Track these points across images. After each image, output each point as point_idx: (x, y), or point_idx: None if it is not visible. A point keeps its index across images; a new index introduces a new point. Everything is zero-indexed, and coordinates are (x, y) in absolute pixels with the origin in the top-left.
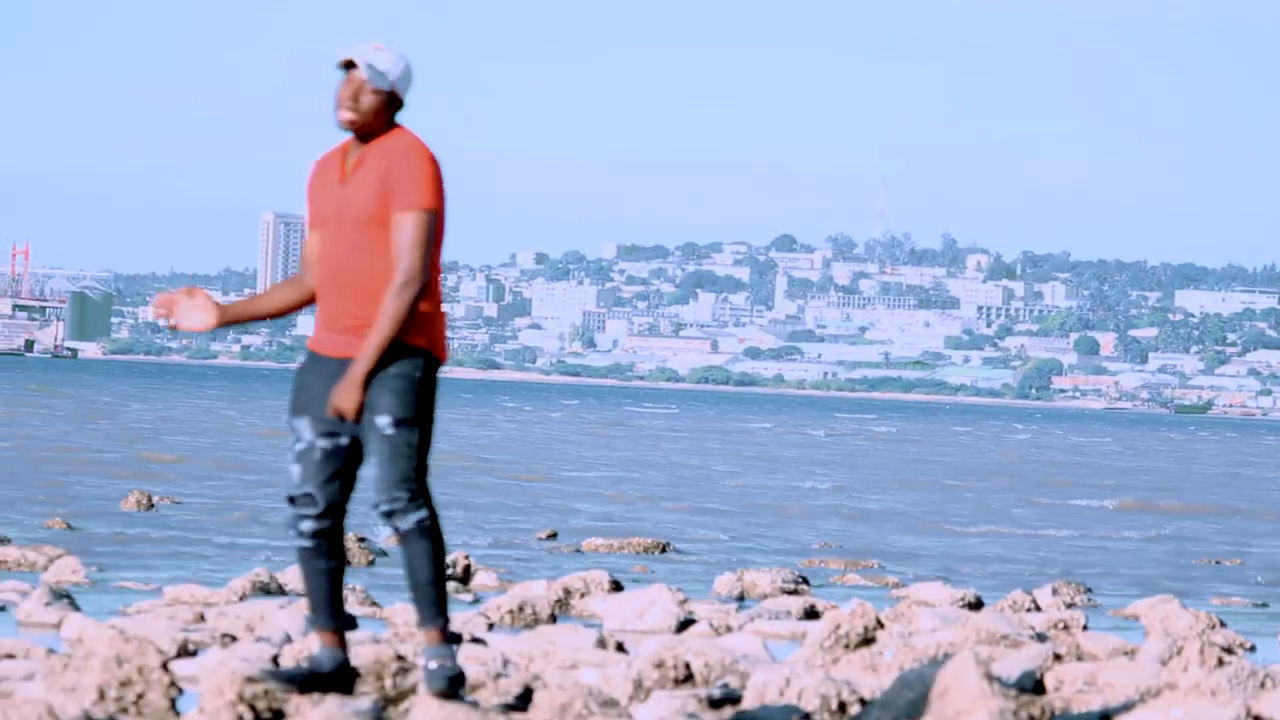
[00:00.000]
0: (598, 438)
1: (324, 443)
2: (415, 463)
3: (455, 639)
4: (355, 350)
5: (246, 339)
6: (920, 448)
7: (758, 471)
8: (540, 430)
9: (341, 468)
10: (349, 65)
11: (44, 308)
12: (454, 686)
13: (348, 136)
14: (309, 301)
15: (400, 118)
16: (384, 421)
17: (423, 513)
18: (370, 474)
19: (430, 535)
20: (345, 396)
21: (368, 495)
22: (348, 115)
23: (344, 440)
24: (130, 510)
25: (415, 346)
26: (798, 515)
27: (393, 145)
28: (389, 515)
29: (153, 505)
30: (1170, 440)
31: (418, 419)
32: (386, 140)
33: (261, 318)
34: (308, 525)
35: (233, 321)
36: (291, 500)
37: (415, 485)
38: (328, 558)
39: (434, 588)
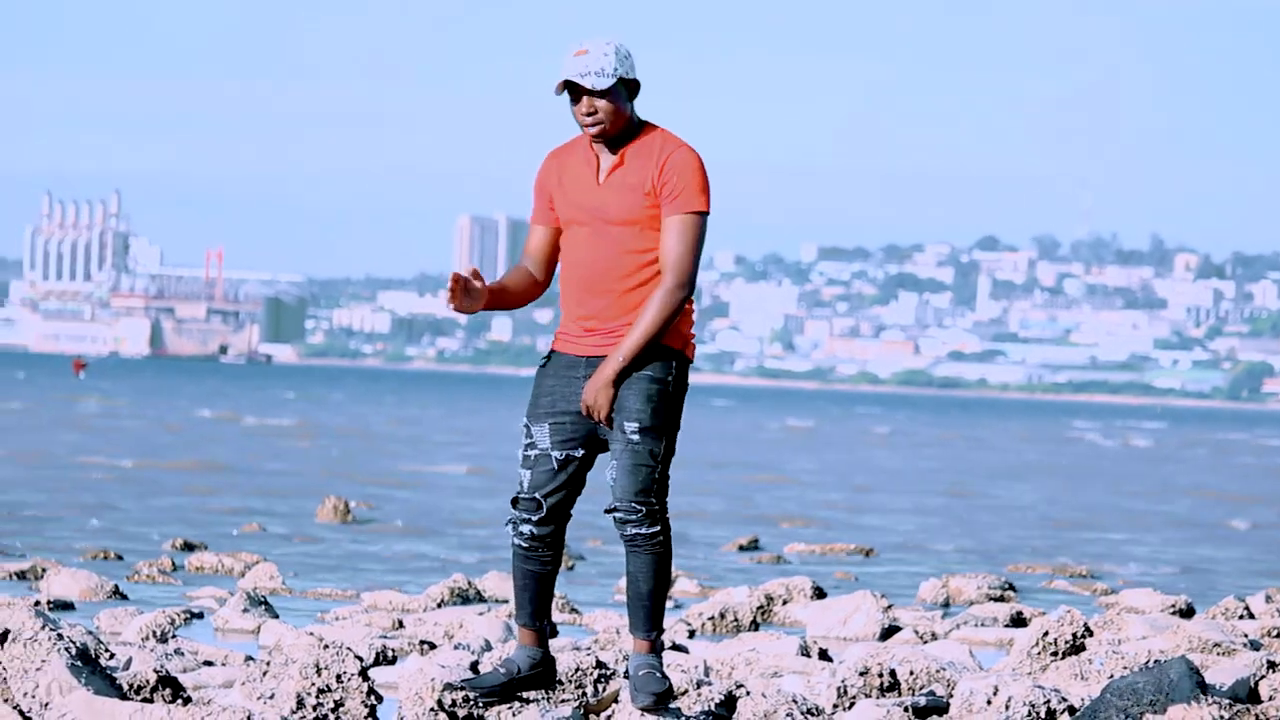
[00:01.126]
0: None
1: (558, 453)
2: (657, 475)
3: (661, 648)
4: (607, 350)
5: (442, 342)
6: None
7: (979, 476)
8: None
9: (571, 479)
10: (568, 86)
11: (238, 312)
12: (660, 702)
13: (575, 134)
14: (540, 294)
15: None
16: (631, 427)
17: (656, 528)
18: (609, 478)
19: (659, 551)
20: (597, 394)
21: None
22: (597, 130)
23: (578, 453)
24: (326, 518)
25: (670, 348)
26: (1007, 521)
27: (658, 147)
28: (622, 523)
29: (349, 512)
30: None
31: (664, 426)
32: (648, 141)
33: (508, 307)
34: (528, 529)
35: (487, 308)
36: (515, 502)
37: (654, 499)
38: (542, 562)
39: (652, 601)
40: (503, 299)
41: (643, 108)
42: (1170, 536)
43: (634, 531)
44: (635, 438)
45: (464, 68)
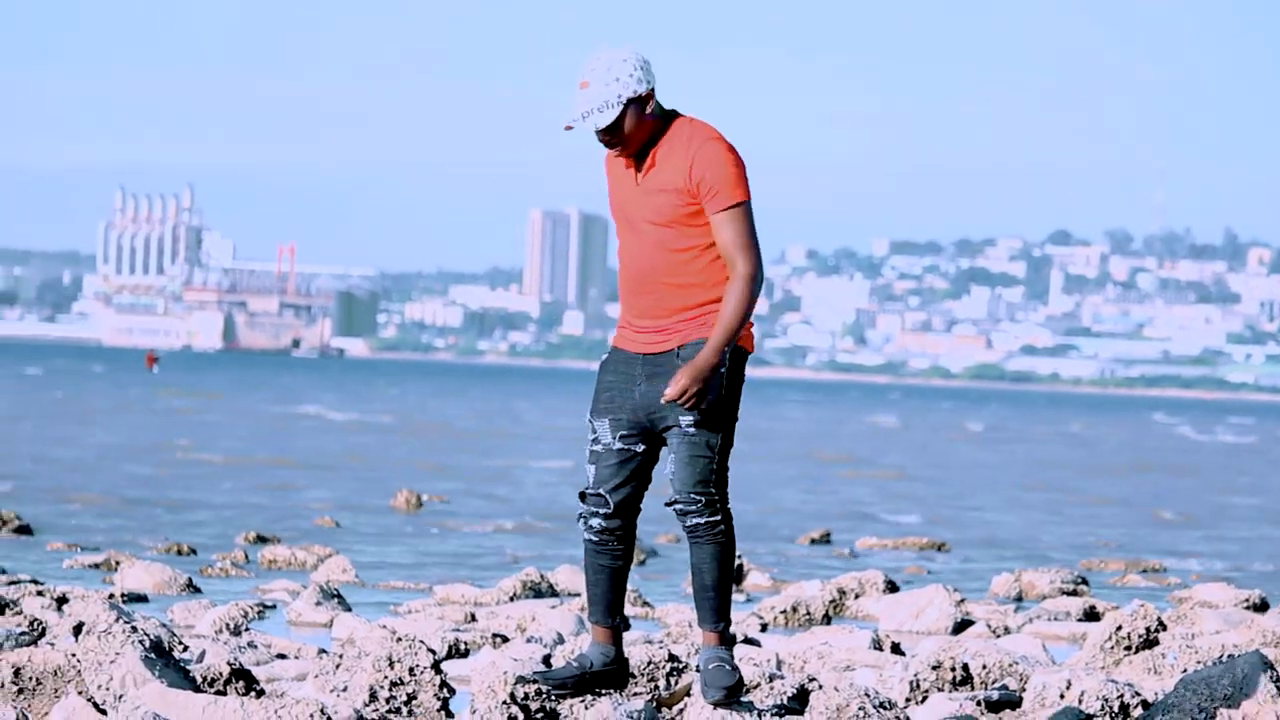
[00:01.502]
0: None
1: (621, 446)
2: (715, 466)
3: (731, 643)
4: (660, 346)
5: (514, 336)
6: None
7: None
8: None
9: (636, 472)
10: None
11: (310, 306)
12: (731, 695)
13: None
14: None
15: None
16: (687, 420)
17: (716, 517)
18: (668, 471)
19: (721, 540)
20: (689, 385)
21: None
22: (618, 152)
23: (639, 447)
24: (399, 508)
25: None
26: (1080, 516)
27: (685, 141)
28: (683, 514)
29: (421, 504)
30: None
31: (720, 418)
32: (676, 136)
33: None
34: (597, 523)
35: None
36: (583, 497)
37: (713, 489)
38: (614, 556)
39: (718, 592)
40: None
41: (720, 97)
42: (1267, 534)
43: (695, 522)
44: (691, 430)
45: (537, 60)
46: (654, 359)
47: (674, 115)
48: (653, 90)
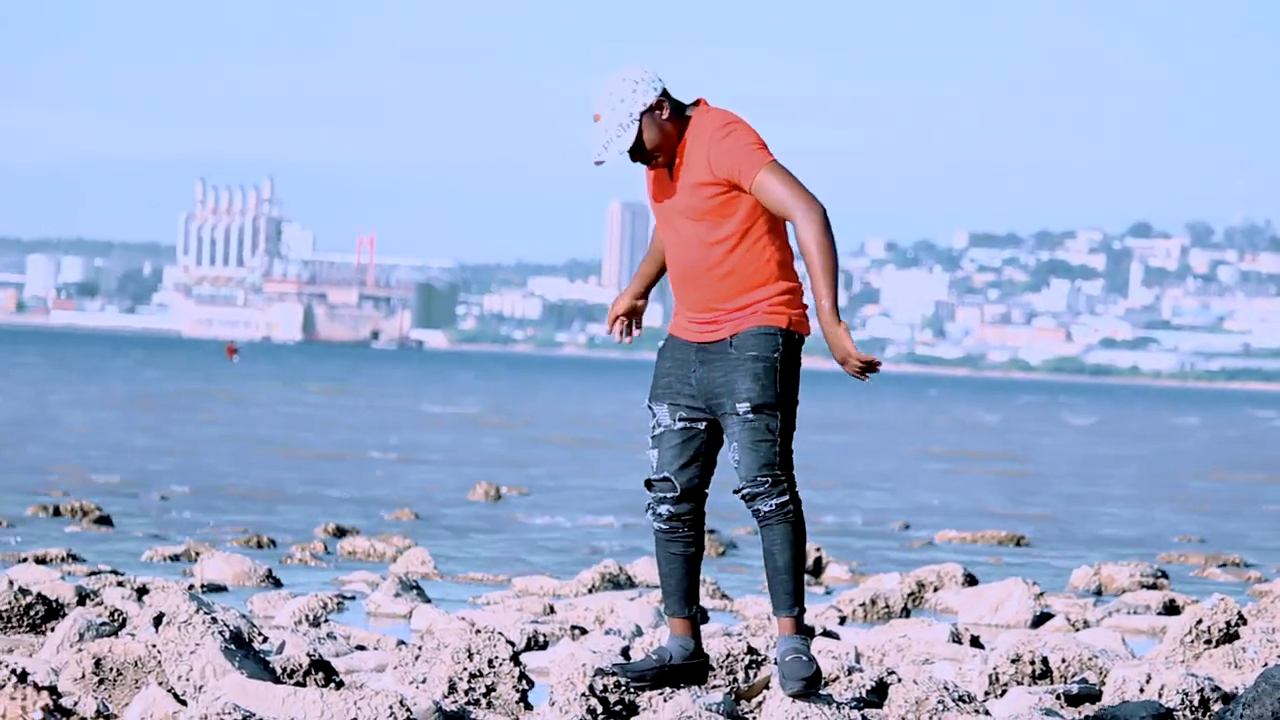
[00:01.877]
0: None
1: (681, 427)
2: (778, 447)
3: (808, 632)
4: (712, 336)
5: (592, 328)
6: None
7: (1135, 467)
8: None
9: (699, 453)
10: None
11: (389, 298)
12: (809, 687)
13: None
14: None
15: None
16: (743, 407)
17: (785, 498)
18: (731, 460)
19: (791, 521)
20: (835, 338)
21: (726, 481)
22: (659, 162)
23: (701, 425)
24: (478, 500)
25: (774, 327)
26: (1159, 510)
27: (700, 136)
28: (750, 499)
29: (500, 496)
30: None
31: (779, 403)
32: (695, 130)
33: (655, 283)
34: (665, 509)
35: (644, 293)
36: (649, 485)
37: (779, 471)
38: (684, 542)
39: (791, 574)
40: (650, 281)
41: (799, 89)
42: None
43: (763, 505)
44: (751, 416)
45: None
46: (707, 347)
47: (695, 106)
48: (664, 94)
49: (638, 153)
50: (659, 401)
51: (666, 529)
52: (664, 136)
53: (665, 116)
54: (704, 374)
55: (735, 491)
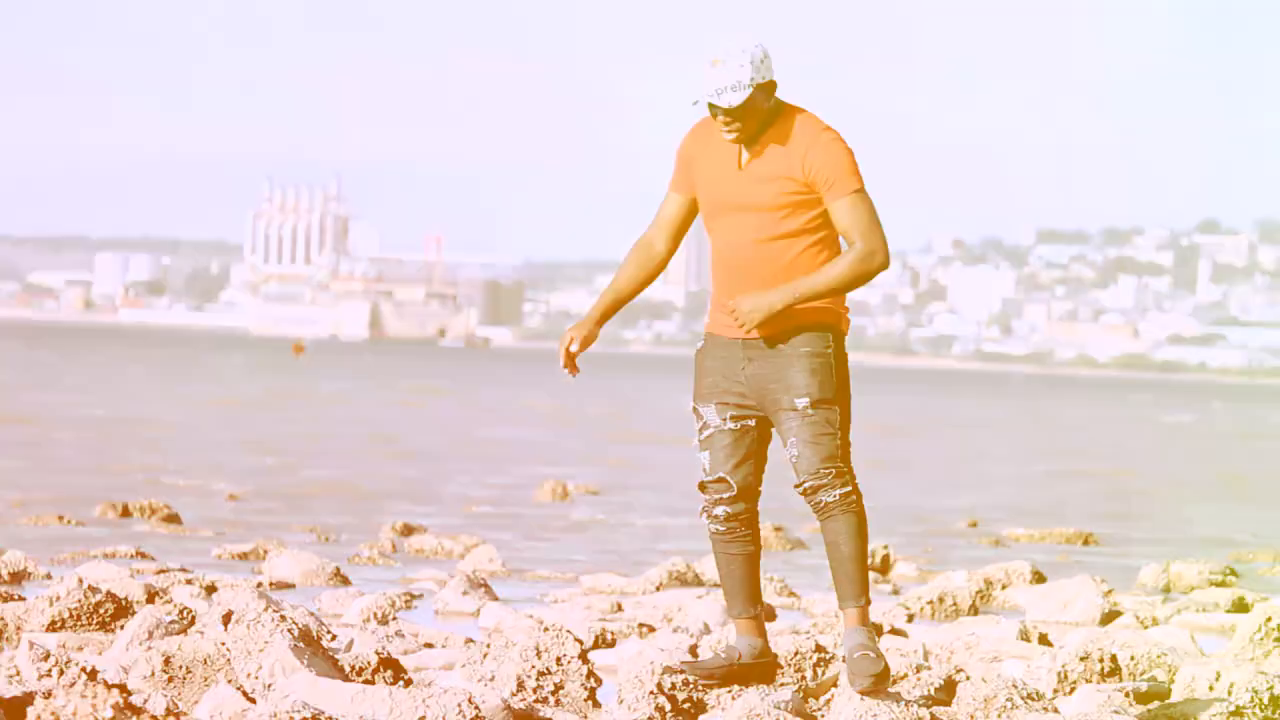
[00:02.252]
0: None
1: (732, 426)
2: (839, 440)
3: (874, 626)
4: (765, 330)
5: (658, 325)
6: None
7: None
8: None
9: (751, 450)
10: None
11: (455, 295)
12: (878, 683)
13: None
14: (661, 269)
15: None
16: (803, 402)
17: (847, 488)
18: (790, 455)
19: (855, 511)
20: (753, 310)
21: (783, 476)
22: (734, 137)
23: (752, 422)
24: (545, 499)
25: (824, 323)
26: (1228, 510)
27: (797, 132)
28: (813, 491)
29: (567, 494)
30: None
31: (834, 396)
32: (787, 128)
33: (625, 304)
34: (721, 510)
35: (606, 321)
36: (703, 487)
37: (840, 462)
38: (742, 542)
39: (856, 565)
40: (619, 299)
41: (867, 82)
42: None
43: (825, 497)
44: (811, 411)
45: (685, 47)
46: (754, 343)
47: (785, 106)
48: (775, 84)
49: (734, 116)
50: (705, 402)
51: (724, 530)
52: (757, 116)
53: (769, 102)
54: (755, 370)
55: (795, 486)
